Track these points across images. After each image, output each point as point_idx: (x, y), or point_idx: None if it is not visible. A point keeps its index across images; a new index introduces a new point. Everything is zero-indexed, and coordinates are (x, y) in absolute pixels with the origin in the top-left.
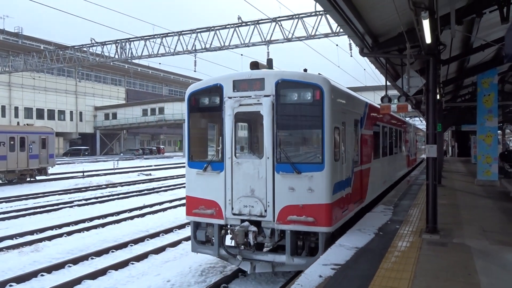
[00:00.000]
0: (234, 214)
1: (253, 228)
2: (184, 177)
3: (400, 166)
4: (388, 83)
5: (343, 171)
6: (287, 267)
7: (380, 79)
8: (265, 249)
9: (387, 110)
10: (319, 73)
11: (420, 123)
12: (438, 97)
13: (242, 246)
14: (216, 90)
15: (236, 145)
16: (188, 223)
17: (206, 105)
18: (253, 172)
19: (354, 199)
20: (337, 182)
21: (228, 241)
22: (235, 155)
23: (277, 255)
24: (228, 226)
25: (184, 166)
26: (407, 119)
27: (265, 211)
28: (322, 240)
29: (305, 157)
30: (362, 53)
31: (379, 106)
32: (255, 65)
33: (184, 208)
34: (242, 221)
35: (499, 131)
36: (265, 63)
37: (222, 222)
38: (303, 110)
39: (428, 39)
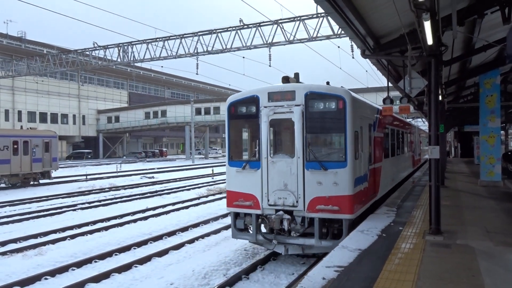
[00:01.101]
0: (269, 205)
1: (287, 216)
2: (187, 179)
3: (406, 165)
4: (390, 85)
5: (361, 168)
6: (315, 249)
7: (382, 81)
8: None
9: (390, 112)
10: (341, 86)
11: (422, 124)
12: (440, 98)
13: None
14: (253, 100)
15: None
16: (190, 226)
17: (243, 113)
18: (286, 169)
19: (370, 192)
20: (357, 177)
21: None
22: (270, 155)
23: (307, 239)
24: (264, 216)
25: (187, 169)
26: (409, 120)
27: (297, 202)
28: (345, 225)
29: (330, 156)
30: (363, 55)
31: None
32: (286, 79)
33: (186, 211)
34: (277, 210)
35: (502, 132)
36: (293, 77)
37: (259, 212)
38: (328, 117)
39: (429, 41)
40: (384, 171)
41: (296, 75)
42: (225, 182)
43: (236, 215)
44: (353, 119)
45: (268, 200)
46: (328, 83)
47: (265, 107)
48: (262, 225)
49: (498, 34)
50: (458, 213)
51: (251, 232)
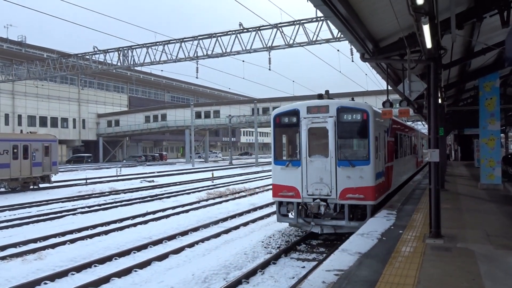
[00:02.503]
0: (308, 195)
1: (323, 203)
2: (187, 183)
3: (411, 165)
4: (390, 88)
5: (380, 166)
6: (345, 229)
7: (381, 84)
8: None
9: (389, 115)
10: (365, 102)
11: (422, 127)
12: (439, 101)
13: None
14: (294, 113)
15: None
16: (190, 230)
17: (286, 123)
18: (321, 167)
19: (385, 185)
20: (377, 173)
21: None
22: (308, 156)
23: (338, 221)
24: (303, 203)
25: (187, 173)
26: (409, 123)
27: (331, 192)
28: (369, 210)
29: (357, 156)
30: (363, 58)
31: (397, 119)
32: (320, 96)
33: (186, 214)
34: (314, 199)
35: (502, 135)
36: (324, 93)
37: (299, 200)
38: (355, 126)
39: (428, 44)
40: (394, 169)
41: (327, 92)
42: (225, 186)
43: (280, 204)
44: (374, 127)
45: (307, 191)
46: (353, 99)
47: (305, 118)
48: (291, 213)
49: (497, 37)
50: (458, 216)
51: (291, 216)
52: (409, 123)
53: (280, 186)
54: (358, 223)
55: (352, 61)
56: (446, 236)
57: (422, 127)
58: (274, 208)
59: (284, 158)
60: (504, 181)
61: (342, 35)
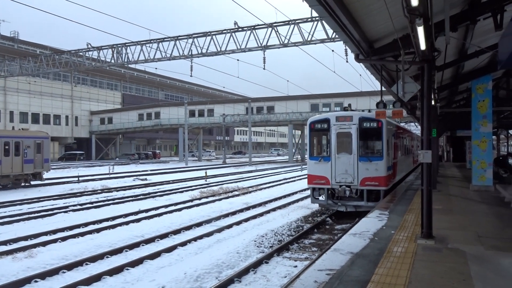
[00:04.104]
0: (336, 182)
1: (347, 189)
2: (181, 182)
3: (410, 162)
4: (384, 89)
5: (389, 161)
6: (363, 208)
7: (375, 85)
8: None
9: (383, 116)
10: (380, 108)
11: (415, 128)
12: (433, 102)
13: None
14: (326, 121)
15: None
16: (182, 229)
17: (319, 128)
18: (346, 161)
19: (393, 177)
20: (387, 166)
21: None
22: (337, 153)
23: (359, 202)
24: (332, 189)
25: (180, 171)
26: (402, 124)
27: (353, 180)
28: (382, 194)
29: (373, 154)
30: (357, 59)
31: (400, 124)
32: (345, 109)
33: (179, 213)
34: (340, 186)
35: (493, 137)
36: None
37: (329, 186)
38: (372, 131)
39: (422, 46)
40: (398, 165)
41: (349, 105)
42: (218, 185)
43: (313, 189)
44: (386, 132)
45: (335, 179)
46: (369, 111)
47: (334, 125)
48: (322, 196)
49: (490, 40)
50: (450, 217)
51: (322, 199)
52: (402, 124)
53: (314, 176)
54: (374, 203)
55: (347, 61)
56: (437, 237)
57: (414, 128)
58: (266, 207)
59: (323, 155)
60: (495, 182)
61: (336, 36)
